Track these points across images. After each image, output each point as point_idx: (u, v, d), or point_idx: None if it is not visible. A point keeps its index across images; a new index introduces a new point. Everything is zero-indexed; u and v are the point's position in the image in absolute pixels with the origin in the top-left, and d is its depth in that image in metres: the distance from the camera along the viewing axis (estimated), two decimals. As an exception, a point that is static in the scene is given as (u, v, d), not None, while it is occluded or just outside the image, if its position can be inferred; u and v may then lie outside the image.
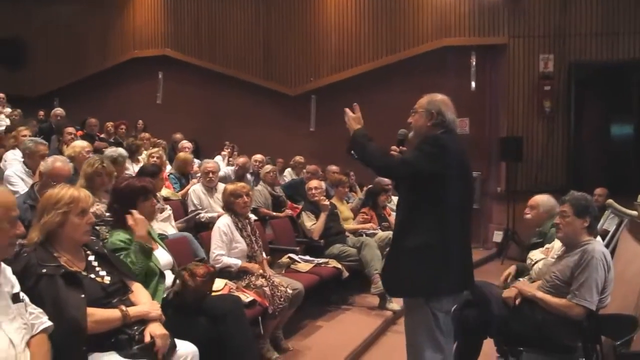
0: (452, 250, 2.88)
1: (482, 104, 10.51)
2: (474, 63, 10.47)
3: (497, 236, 9.78)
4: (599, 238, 4.32)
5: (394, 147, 3.08)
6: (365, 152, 2.94)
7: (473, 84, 10.42)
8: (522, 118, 9.87)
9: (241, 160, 7.45)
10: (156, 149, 6.94)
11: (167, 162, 7.51)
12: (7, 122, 9.25)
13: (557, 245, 4.11)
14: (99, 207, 4.00)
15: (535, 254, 4.45)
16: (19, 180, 4.94)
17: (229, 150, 9.84)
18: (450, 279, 2.88)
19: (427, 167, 2.78)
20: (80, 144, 5.45)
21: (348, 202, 7.59)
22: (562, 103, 9.69)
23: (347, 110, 3.11)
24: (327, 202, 6.13)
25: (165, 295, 3.14)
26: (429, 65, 10.39)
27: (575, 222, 3.48)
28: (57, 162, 4.10)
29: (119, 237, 3.19)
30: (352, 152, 2.97)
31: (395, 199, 8.14)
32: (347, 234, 6.34)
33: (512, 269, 4.30)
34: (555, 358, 3.25)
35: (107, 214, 3.68)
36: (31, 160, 4.98)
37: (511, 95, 9.91)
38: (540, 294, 3.47)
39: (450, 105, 3.00)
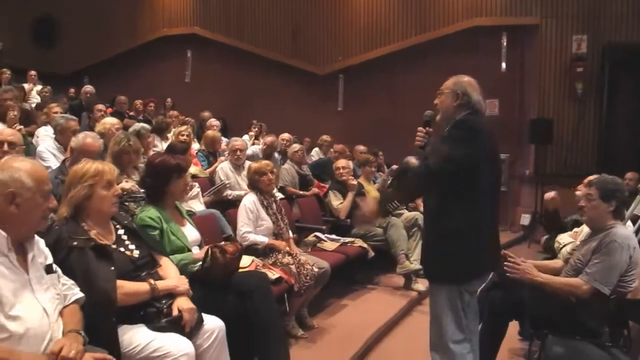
0: (484, 233, 2.89)
1: (512, 85, 10.34)
2: (505, 44, 10.29)
3: (525, 219, 9.67)
4: (629, 223, 4.26)
5: (420, 129, 3.07)
6: (400, 192, 3.04)
7: (504, 65, 10.25)
8: (552, 100, 9.69)
9: (269, 139, 7.47)
10: (184, 127, 6.97)
11: (195, 140, 7.55)
12: (38, 99, 9.40)
13: (586, 229, 4.06)
14: (132, 184, 4.06)
15: (563, 238, 4.41)
16: (51, 156, 5.02)
17: (256, 129, 9.85)
18: (482, 262, 2.91)
19: (462, 153, 2.75)
20: (110, 121, 5.51)
21: (375, 182, 7.56)
22: (594, 85, 9.47)
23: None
24: (355, 182, 6.12)
25: (195, 269, 3.17)
26: (459, 46, 10.25)
27: (601, 206, 3.42)
28: (88, 138, 4.15)
29: (148, 213, 3.22)
30: (390, 207, 3.04)
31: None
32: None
33: None
34: (581, 342, 3.21)
35: (141, 190, 3.74)
36: (62, 137, 5.04)
37: (542, 77, 9.72)
38: (542, 278, 3.41)
39: (477, 87, 2.98)
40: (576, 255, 3.54)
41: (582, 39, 9.51)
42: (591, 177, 4.09)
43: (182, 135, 6.59)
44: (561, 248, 4.25)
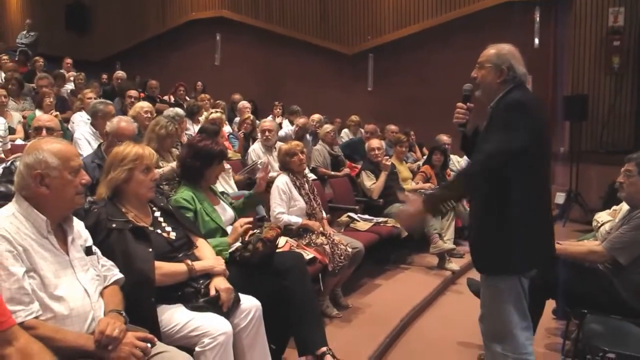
0: (545, 217, 2.71)
1: (546, 61, 10.12)
2: (538, 19, 10.08)
3: (560, 198, 9.50)
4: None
5: (460, 104, 2.86)
6: (452, 192, 2.70)
7: (537, 41, 10.06)
8: (587, 75, 9.47)
9: (301, 120, 7.46)
10: (214, 110, 7.03)
11: (227, 122, 7.59)
12: (72, 86, 9.56)
13: (625, 207, 3.99)
14: (169, 168, 4.12)
15: (601, 216, 4.34)
16: (85, 143, 5.09)
17: (278, 110, 9.88)
18: (544, 248, 2.73)
19: (523, 142, 2.47)
20: (141, 105, 5.59)
21: (407, 162, 7.52)
22: (632, 59, 9.20)
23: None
24: (388, 162, 6.10)
25: (232, 250, 3.20)
26: (491, 21, 10.07)
27: (639, 183, 3.37)
28: (122, 122, 4.20)
29: (182, 195, 3.26)
30: (442, 207, 2.68)
31: (454, 160, 8.04)
32: (406, 193, 6.29)
33: None
34: (621, 321, 3.16)
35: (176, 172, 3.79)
36: (102, 121, 5.09)
37: (577, 52, 9.49)
38: (560, 246, 3.40)
39: (519, 57, 2.73)
40: (615, 233, 3.50)
41: (619, 11, 9.23)
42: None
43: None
44: (599, 227, 4.19)
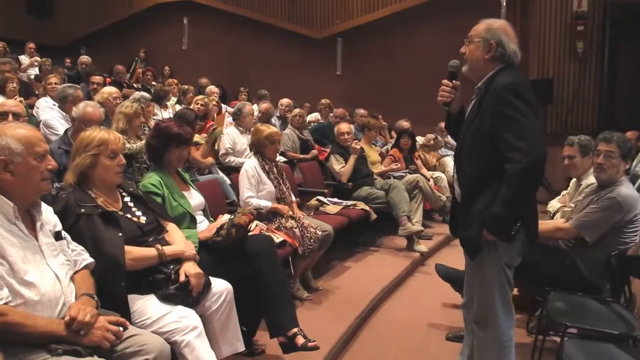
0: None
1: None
2: (505, 3, 10.19)
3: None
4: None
5: (445, 81, 2.76)
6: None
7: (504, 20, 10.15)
8: (553, 59, 9.64)
9: (264, 106, 7.46)
10: (201, 97, 6.97)
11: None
12: (36, 71, 9.37)
13: (571, 190, 4.12)
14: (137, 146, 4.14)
15: (553, 204, 4.45)
16: (59, 124, 5.03)
17: (244, 96, 9.85)
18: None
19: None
20: (108, 90, 5.53)
21: (375, 146, 7.58)
22: (595, 44, 9.39)
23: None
24: (358, 146, 6.13)
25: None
26: (458, 7, 10.13)
27: (620, 165, 3.44)
28: (89, 107, 4.17)
29: (150, 180, 3.25)
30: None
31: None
32: (375, 177, 6.36)
33: None
34: (583, 297, 3.27)
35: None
36: (72, 106, 4.98)
37: (542, 36, 9.65)
38: None
39: (511, 33, 2.62)
40: (577, 206, 3.61)
41: (583, -4, 9.40)
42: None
43: (198, 104, 6.65)
44: (553, 215, 4.30)
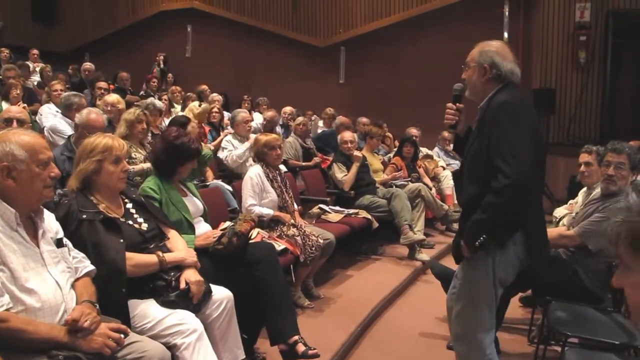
0: (539, 217, 2.70)
1: (514, 55, 10.17)
2: (507, 13, 10.22)
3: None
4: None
5: (450, 105, 2.80)
6: (489, 225, 2.49)
7: (505, 35, 10.20)
8: (555, 69, 9.64)
9: (269, 114, 7.48)
10: (194, 104, 7.00)
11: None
12: (38, 77, 9.39)
13: (580, 199, 4.11)
14: (140, 167, 4.15)
15: (559, 211, 4.45)
16: (67, 128, 5.04)
17: (247, 104, 9.88)
18: (540, 248, 2.70)
19: (526, 137, 2.44)
20: (111, 99, 5.55)
21: (378, 154, 7.59)
22: (598, 54, 9.38)
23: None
24: (360, 154, 6.14)
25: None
26: (462, 15, 10.19)
27: (628, 176, 3.44)
28: (92, 114, 4.18)
29: (149, 184, 3.27)
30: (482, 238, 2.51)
31: (424, 151, 8.10)
32: (377, 185, 6.37)
33: None
34: (584, 307, 3.27)
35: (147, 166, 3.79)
36: (77, 113, 5.04)
37: (545, 46, 9.65)
38: None
39: (507, 53, 2.67)
40: (579, 214, 3.61)
41: (585, 6, 9.39)
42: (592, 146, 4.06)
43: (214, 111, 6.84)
44: (558, 222, 4.30)
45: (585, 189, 4.10)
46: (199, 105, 6.35)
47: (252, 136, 5.65)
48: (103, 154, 2.66)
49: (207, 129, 6.68)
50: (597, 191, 3.70)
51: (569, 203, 4.54)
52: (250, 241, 3.45)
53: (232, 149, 6.02)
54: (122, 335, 2.11)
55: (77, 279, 2.28)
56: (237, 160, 5.89)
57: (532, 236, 2.62)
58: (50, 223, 2.28)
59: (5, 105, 6.11)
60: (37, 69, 9.81)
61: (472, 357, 2.70)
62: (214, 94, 9.08)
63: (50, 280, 2.10)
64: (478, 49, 2.68)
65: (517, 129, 2.45)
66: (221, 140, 6.37)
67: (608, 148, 3.54)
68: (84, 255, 2.37)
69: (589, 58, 9.41)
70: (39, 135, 2.31)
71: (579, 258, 3.53)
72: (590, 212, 3.52)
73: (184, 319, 2.48)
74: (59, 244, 2.25)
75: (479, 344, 2.66)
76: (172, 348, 2.36)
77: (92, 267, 2.36)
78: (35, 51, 10.67)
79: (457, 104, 2.80)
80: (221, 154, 6.08)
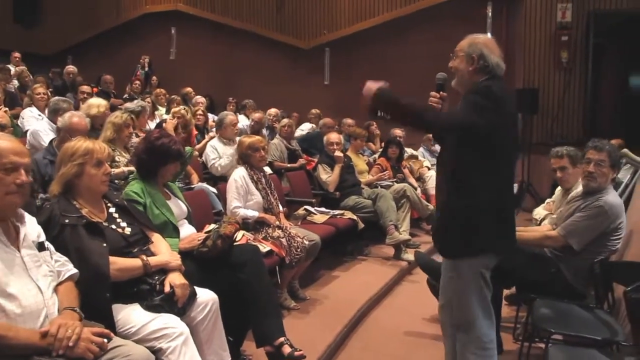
0: (506, 207, 2.75)
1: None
2: (490, 13, 10.29)
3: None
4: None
5: (433, 93, 2.84)
6: (401, 107, 2.66)
7: (489, 35, 10.24)
8: (538, 69, 9.71)
9: (257, 115, 7.48)
10: (178, 108, 6.92)
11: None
12: (16, 82, 9.11)
13: (557, 198, 4.15)
14: (121, 170, 4.12)
15: (538, 211, 4.49)
16: (49, 135, 5.00)
17: (233, 107, 9.85)
18: (504, 237, 2.77)
19: (478, 121, 2.54)
20: (96, 102, 5.49)
21: (364, 155, 7.60)
22: (579, 54, 9.47)
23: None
24: (341, 155, 6.15)
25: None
26: (446, 16, 10.25)
27: (609, 173, 3.49)
28: (74, 118, 4.16)
29: (132, 187, 3.25)
30: (380, 113, 2.72)
31: (408, 151, 8.13)
32: (362, 186, 6.38)
33: None
34: (568, 304, 3.30)
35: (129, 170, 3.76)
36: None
37: (527, 46, 9.72)
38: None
39: (495, 47, 2.74)
40: (561, 212, 3.64)
41: (567, 7, 9.47)
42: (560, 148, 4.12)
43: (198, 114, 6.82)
44: (539, 223, 4.33)
45: (559, 188, 4.16)
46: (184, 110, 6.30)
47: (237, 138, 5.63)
48: (84, 157, 2.63)
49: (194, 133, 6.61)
50: (579, 189, 3.74)
51: (546, 202, 4.58)
52: (235, 243, 3.44)
53: (216, 156, 5.97)
54: (105, 340, 2.09)
55: (59, 283, 2.25)
56: (221, 170, 5.85)
57: (500, 221, 2.72)
58: (32, 227, 2.26)
59: (-15, 109, 6.05)
60: (16, 72, 9.66)
61: (472, 344, 2.75)
62: (198, 97, 9.06)
63: (31, 285, 2.08)
64: (468, 40, 2.77)
65: (483, 107, 2.56)
66: (205, 143, 6.34)
67: (589, 146, 3.59)
68: (66, 259, 2.35)
69: (571, 58, 9.49)
70: (15, 139, 2.26)
71: (562, 255, 3.56)
72: (572, 211, 3.56)
73: (169, 322, 2.46)
74: (40, 247, 2.22)
75: (478, 330, 2.73)
76: (157, 352, 2.34)
77: (75, 271, 2.34)
78: (17, 54, 10.54)
79: (441, 93, 2.85)
80: (206, 160, 6.04)
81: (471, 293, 2.72)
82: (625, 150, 5.69)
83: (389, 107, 2.72)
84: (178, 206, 3.44)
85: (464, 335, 2.78)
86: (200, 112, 7.35)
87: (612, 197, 3.48)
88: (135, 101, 6.08)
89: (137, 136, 5.17)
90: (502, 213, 2.74)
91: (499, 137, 2.62)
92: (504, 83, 2.75)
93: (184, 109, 5.90)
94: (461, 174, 2.69)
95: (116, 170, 4.13)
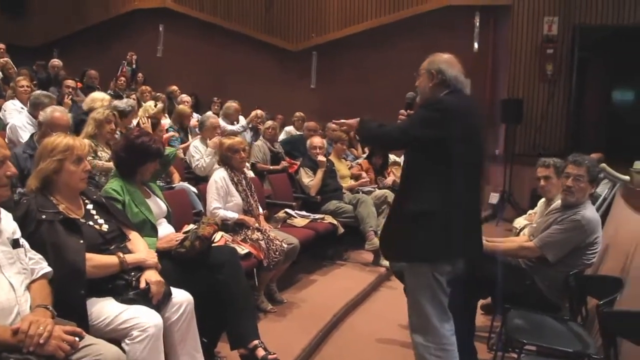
0: (454, 215, 2.77)
1: (484, 65, 10.42)
2: (478, 24, 10.37)
3: (493, 198, 9.82)
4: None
5: (402, 112, 3.04)
6: (365, 131, 2.98)
7: (476, 45, 10.36)
8: (523, 80, 9.80)
9: (233, 105, 7.52)
10: (150, 103, 6.86)
11: (166, 115, 7.49)
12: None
13: (539, 210, 4.19)
14: (103, 163, 4.09)
15: (519, 221, 4.53)
16: (26, 132, 4.94)
17: (217, 107, 9.82)
18: (451, 246, 2.79)
19: (421, 133, 2.70)
20: (99, 96, 5.48)
21: (346, 160, 7.62)
22: (564, 67, 9.58)
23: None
24: (324, 159, 6.17)
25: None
26: (433, 25, 10.31)
27: (587, 188, 3.53)
28: (56, 112, 4.14)
29: (112, 185, 3.25)
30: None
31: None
32: (343, 191, 6.39)
33: None
34: (541, 316, 3.33)
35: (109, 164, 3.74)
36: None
37: (513, 58, 9.81)
38: (490, 245, 3.59)
39: (454, 63, 2.89)
40: (540, 224, 3.68)
41: (553, 20, 9.58)
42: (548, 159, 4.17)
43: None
44: (519, 232, 4.37)
45: (543, 199, 4.19)
46: (155, 106, 6.24)
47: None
48: (64, 153, 2.62)
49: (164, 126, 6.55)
50: (558, 202, 3.78)
51: (528, 213, 4.62)
52: (214, 244, 3.44)
53: (199, 157, 5.94)
54: (77, 339, 2.08)
55: (33, 281, 2.24)
56: (204, 171, 5.83)
57: (456, 229, 2.79)
58: (8, 223, 2.24)
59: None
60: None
61: (427, 347, 2.83)
62: (184, 95, 9.01)
63: (3, 282, 2.06)
64: (429, 59, 2.94)
65: (426, 119, 2.74)
66: (189, 145, 6.31)
67: (569, 160, 3.62)
68: (41, 257, 2.33)
69: (555, 71, 9.59)
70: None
71: (537, 267, 3.59)
72: (549, 223, 3.59)
73: (142, 313, 2.47)
74: (15, 244, 2.21)
75: (436, 332, 2.82)
76: (127, 337, 2.37)
77: (48, 269, 2.32)
78: (2, 45, 10.40)
79: (408, 110, 3.05)
80: (190, 160, 6.02)
81: (422, 297, 2.82)
82: (604, 165, 5.73)
83: (361, 132, 3.05)
84: (157, 205, 3.43)
85: (421, 337, 2.86)
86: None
87: (590, 212, 3.52)
88: (125, 100, 6.00)
89: (122, 134, 5.15)
90: (453, 221, 2.77)
91: (451, 147, 2.71)
92: (465, 96, 2.90)
93: (150, 106, 5.89)
94: (412, 180, 2.86)
95: (106, 164, 4.12)
